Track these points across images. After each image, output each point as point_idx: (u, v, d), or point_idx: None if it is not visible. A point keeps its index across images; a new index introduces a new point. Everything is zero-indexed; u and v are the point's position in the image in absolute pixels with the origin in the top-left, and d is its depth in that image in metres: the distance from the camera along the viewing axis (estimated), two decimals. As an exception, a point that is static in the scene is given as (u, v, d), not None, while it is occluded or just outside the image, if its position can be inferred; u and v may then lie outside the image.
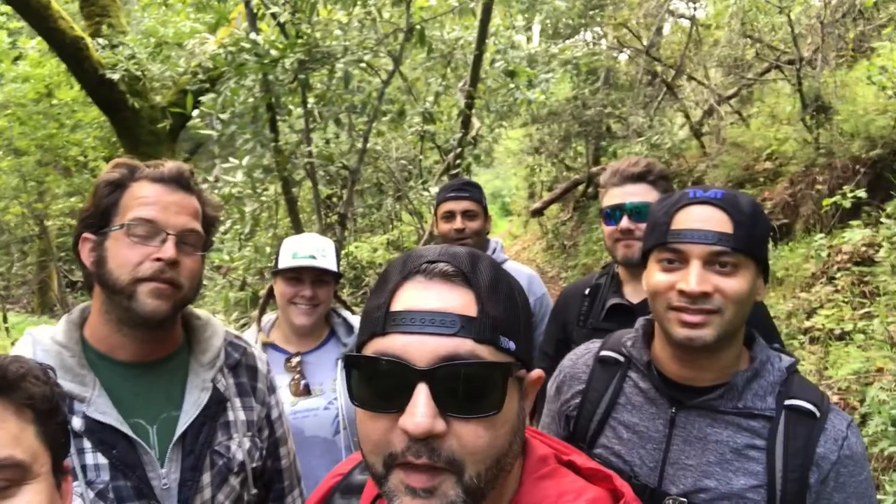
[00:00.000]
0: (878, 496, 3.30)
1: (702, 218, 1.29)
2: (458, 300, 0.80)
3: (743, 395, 1.30)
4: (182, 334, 1.50)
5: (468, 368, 0.77)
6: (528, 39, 11.88)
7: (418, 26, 4.21)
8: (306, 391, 2.18)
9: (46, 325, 1.43)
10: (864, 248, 5.29)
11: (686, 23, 11.39)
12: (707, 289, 1.25)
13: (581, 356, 1.57)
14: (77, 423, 1.28)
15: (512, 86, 5.74)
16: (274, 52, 3.77)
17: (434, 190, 5.21)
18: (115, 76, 6.15)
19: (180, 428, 1.38)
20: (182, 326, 1.51)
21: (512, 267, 2.79)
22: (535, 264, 13.17)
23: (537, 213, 13.74)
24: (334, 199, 7.72)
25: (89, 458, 1.29)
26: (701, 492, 1.28)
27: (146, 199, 1.35)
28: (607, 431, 1.43)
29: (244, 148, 4.05)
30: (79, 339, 1.38)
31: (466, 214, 2.68)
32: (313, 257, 2.18)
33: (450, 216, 2.70)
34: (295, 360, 2.22)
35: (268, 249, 4.66)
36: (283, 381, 2.14)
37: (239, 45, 3.75)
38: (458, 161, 5.78)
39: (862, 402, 3.99)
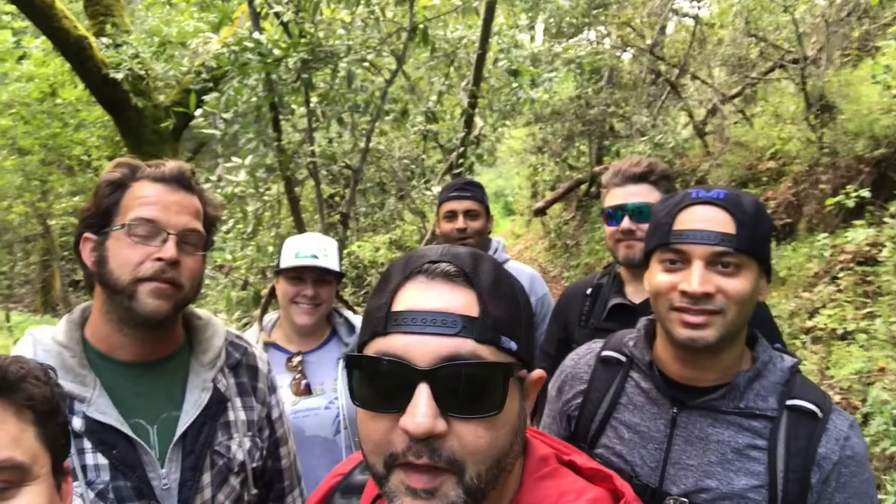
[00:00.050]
0: (880, 496, 3.29)
1: (704, 218, 1.29)
2: (460, 300, 0.80)
3: (745, 396, 1.30)
4: (183, 334, 1.50)
5: (469, 369, 0.77)
6: (532, 38, 11.87)
7: (421, 25, 4.20)
8: (307, 391, 2.18)
9: (47, 325, 1.43)
10: (867, 248, 5.28)
11: (690, 22, 11.36)
12: (709, 289, 1.25)
13: (583, 356, 1.57)
14: (77, 423, 1.28)
15: (515, 85, 5.72)
16: (277, 52, 3.76)
17: (436, 189, 5.20)
18: (119, 75, 6.16)
19: (181, 428, 1.38)
20: (183, 326, 1.51)
21: (514, 266, 2.79)
22: (537, 264, 13.17)
23: (540, 212, 13.73)
24: (337, 199, 7.71)
25: (89, 459, 1.29)
26: (702, 492, 1.28)
27: (147, 198, 1.35)
28: (609, 431, 1.43)
29: (247, 147, 4.05)
30: (79, 339, 1.38)
31: (468, 214, 2.68)
32: (315, 257, 2.18)
33: (452, 216, 2.69)
34: (296, 359, 2.22)
35: (270, 249, 4.65)
36: (284, 380, 2.14)
37: (242, 45, 3.75)
38: (460, 160, 5.76)
39: (864, 401, 3.98)
